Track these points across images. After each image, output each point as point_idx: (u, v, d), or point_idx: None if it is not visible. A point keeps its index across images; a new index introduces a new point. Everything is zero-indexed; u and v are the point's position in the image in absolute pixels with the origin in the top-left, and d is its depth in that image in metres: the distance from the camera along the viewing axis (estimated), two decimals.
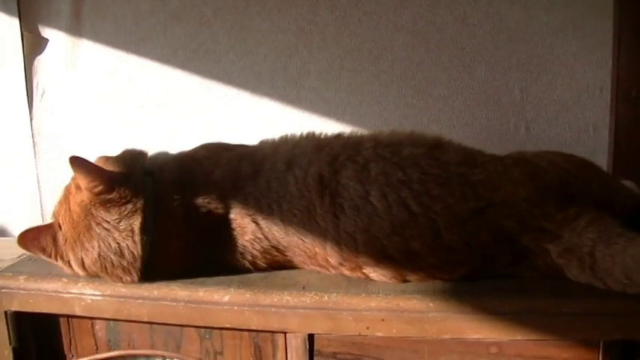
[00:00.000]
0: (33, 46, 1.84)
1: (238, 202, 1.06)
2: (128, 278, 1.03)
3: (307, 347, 1.01)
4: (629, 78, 1.65)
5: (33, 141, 1.85)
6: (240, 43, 1.76)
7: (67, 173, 1.72)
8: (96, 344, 1.11)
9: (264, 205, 1.04)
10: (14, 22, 1.80)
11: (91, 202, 1.05)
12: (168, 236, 1.05)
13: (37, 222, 1.73)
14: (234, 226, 1.05)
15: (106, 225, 1.03)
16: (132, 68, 1.82)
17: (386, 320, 0.99)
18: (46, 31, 1.84)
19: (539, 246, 1.01)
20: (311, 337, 1.01)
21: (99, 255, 1.02)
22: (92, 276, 1.06)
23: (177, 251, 1.05)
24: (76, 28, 1.84)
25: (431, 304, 0.98)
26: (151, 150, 1.28)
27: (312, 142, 1.11)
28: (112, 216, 1.04)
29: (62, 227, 1.07)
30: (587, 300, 0.99)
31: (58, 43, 1.84)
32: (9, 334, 1.09)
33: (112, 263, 1.02)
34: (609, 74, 1.65)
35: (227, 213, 1.05)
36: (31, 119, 1.85)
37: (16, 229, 1.67)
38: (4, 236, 1.83)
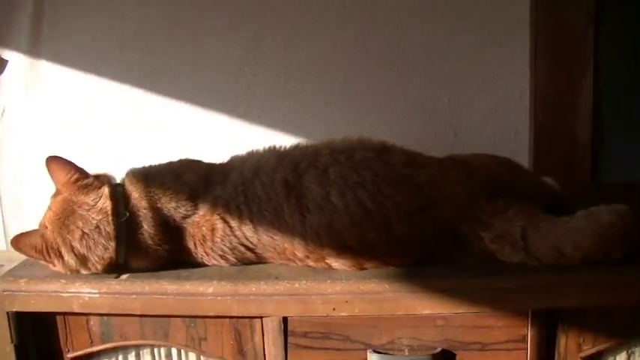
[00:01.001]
0: None
1: (207, 203, 1.19)
2: (107, 255, 1.17)
3: (282, 329, 1.15)
4: (545, 86, 1.80)
5: None
6: (193, 58, 1.85)
7: (28, 188, 1.88)
8: (90, 338, 1.21)
9: (232, 207, 1.18)
10: None
11: (70, 193, 1.20)
12: (139, 226, 1.18)
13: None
14: (203, 223, 1.18)
15: (85, 206, 1.19)
16: (91, 87, 1.89)
17: (349, 302, 1.13)
18: (6, 53, 1.89)
19: (474, 234, 1.17)
20: (285, 320, 1.15)
21: (83, 233, 1.17)
22: (80, 261, 1.18)
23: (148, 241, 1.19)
24: (34, 49, 1.89)
25: (387, 286, 1.13)
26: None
27: (275, 154, 1.25)
28: (89, 198, 1.19)
29: (48, 226, 1.20)
30: (516, 277, 1.15)
31: (17, 64, 1.89)
32: (10, 332, 1.18)
33: (94, 240, 1.16)
34: (528, 83, 1.79)
35: (196, 212, 1.19)
36: None
37: None
38: None
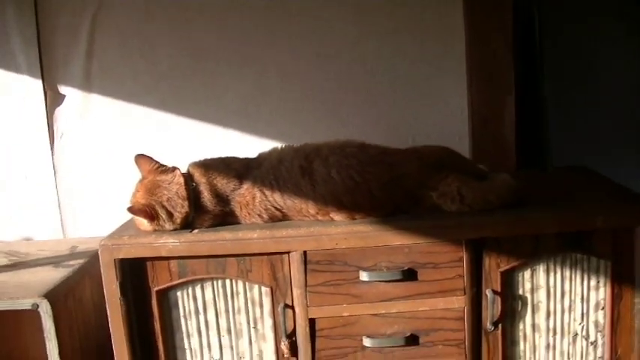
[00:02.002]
0: (53, 100, 2.21)
1: (249, 181, 1.67)
2: (183, 210, 1.63)
3: (303, 259, 1.60)
4: (479, 103, 2.19)
5: (54, 171, 2.25)
6: (212, 88, 2.20)
7: (80, 195, 2.23)
8: (170, 276, 1.63)
9: (266, 183, 1.65)
10: (38, 83, 2.19)
11: (154, 176, 1.68)
12: (201, 195, 1.66)
13: (58, 236, 2.23)
14: (246, 194, 1.67)
15: (166, 182, 1.67)
16: (131, 116, 2.22)
17: (346, 239, 1.59)
18: (63, 89, 2.21)
19: (426, 194, 1.64)
20: (305, 253, 1.59)
21: (168, 197, 1.64)
22: (167, 214, 1.63)
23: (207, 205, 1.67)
24: (86, 85, 2.20)
25: (370, 228, 1.60)
26: None
27: (292, 149, 1.72)
28: (168, 177, 1.67)
29: (141, 200, 1.67)
30: (455, 219, 1.61)
31: (72, 97, 2.21)
32: (116, 273, 1.59)
33: (175, 201, 1.64)
34: (466, 102, 2.17)
35: (241, 187, 1.67)
36: (52, 155, 2.24)
37: (38, 237, 2.23)
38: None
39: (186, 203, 1.64)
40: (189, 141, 2.18)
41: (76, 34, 2.17)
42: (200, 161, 1.73)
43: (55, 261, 1.93)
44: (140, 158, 1.72)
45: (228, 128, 2.21)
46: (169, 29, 2.16)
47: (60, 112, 2.23)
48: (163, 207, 1.64)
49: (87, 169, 2.25)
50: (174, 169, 1.69)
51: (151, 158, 1.72)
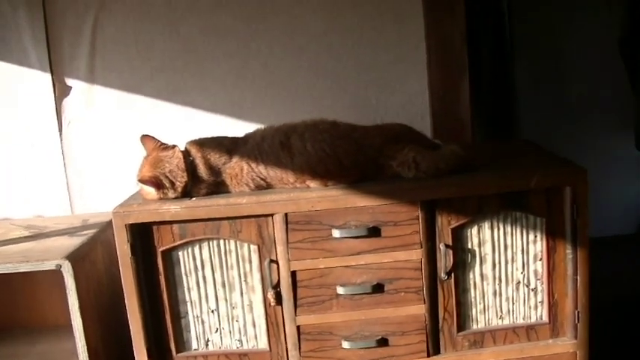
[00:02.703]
0: (61, 91, 2.42)
1: (237, 155, 1.88)
2: (183, 180, 1.85)
3: (284, 220, 1.80)
4: (437, 86, 2.43)
5: (63, 155, 2.46)
6: (202, 78, 2.43)
7: (87, 177, 2.47)
8: (173, 237, 1.83)
9: (252, 157, 1.89)
10: (47, 76, 2.40)
11: (157, 152, 1.91)
12: (197, 167, 1.88)
13: (66, 212, 2.47)
14: (235, 166, 1.89)
15: (168, 157, 1.88)
16: (131, 104, 2.44)
17: (320, 202, 1.79)
18: (70, 81, 2.42)
19: (387, 163, 1.83)
20: (286, 215, 1.79)
21: (169, 169, 1.85)
22: (170, 183, 1.85)
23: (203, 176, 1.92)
24: (90, 78, 2.41)
25: (340, 192, 1.80)
26: None
27: (273, 128, 1.95)
28: (169, 152, 1.89)
29: (147, 173, 1.89)
30: (412, 183, 1.80)
31: (78, 88, 2.41)
32: (127, 235, 1.80)
33: (175, 172, 1.86)
34: (426, 84, 2.40)
35: (230, 160, 1.92)
36: (61, 140, 2.45)
37: (49, 214, 2.45)
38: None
39: (185, 174, 1.89)
40: (182, 125, 2.39)
41: (81, 32, 2.39)
42: (196, 139, 1.98)
43: (70, 232, 2.21)
44: (145, 138, 1.98)
45: (216, 113, 2.43)
46: (162, 28, 2.38)
47: (67, 102, 2.45)
48: (167, 177, 1.89)
49: (92, 152, 2.47)
50: (173, 146, 1.95)
51: (154, 138, 1.97)
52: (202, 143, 1.96)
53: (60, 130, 2.44)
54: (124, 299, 1.92)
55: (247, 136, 1.98)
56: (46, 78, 2.41)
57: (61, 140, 2.45)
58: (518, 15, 3.74)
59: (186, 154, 1.93)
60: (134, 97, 2.44)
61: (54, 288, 2.27)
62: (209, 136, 2.01)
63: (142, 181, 1.90)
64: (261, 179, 1.91)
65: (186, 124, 2.39)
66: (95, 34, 2.38)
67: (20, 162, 2.45)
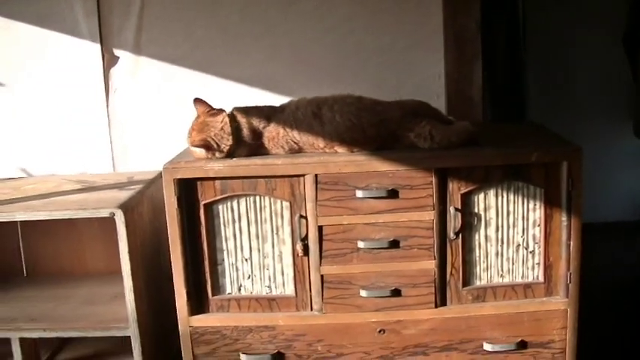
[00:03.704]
0: (109, 61, 2.62)
1: (275, 121, 2.07)
2: (228, 143, 2.02)
3: (315, 181, 1.97)
4: (453, 69, 2.60)
5: (108, 119, 2.68)
6: (231, 55, 2.63)
7: (130, 140, 2.67)
8: (214, 192, 2.01)
9: (287, 123, 2.06)
10: (97, 47, 2.60)
11: (205, 117, 2.11)
12: (241, 130, 2.08)
13: (109, 170, 2.67)
14: (273, 130, 2.09)
15: (215, 122, 2.06)
16: (172, 75, 2.62)
17: (347, 165, 1.96)
18: (118, 52, 2.61)
19: (405, 135, 2.01)
20: (316, 176, 1.96)
21: (216, 132, 2.03)
22: (217, 144, 2.03)
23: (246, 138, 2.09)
24: (136, 50, 2.61)
25: (364, 158, 1.97)
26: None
27: (306, 100, 2.16)
28: (217, 118, 2.08)
29: (196, 136, 2.11)
30: (427, 153, 1.97)
31: (125, 59, 2.62)
32: (175, 189, 1.97)
33: (221, 135, 2.04)
34: (443, 68, 2.58)
35: (269, 125, 2.12)
36: (107, 106, 2.66)
37: (94, 171, 2.62)
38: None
39: (230, 137, 2.09)
40: (217, 96, 2.47)
41: (129, 7, 2.58)
42: (240, 107, 2.20)
43: (118, 186, 2.45)
44: (197, 101, 2.18)
45: (249, 86, 2.62)
46: (202, 8, 2.58)
47: (114, 71, 2.65)
48: (214, 140, 2.10)
49: (135, 118, 2.67)
50: (221, 111, 2.16)
51: (205, 102, 2.11)
52: (246, 110, 2.17)
53: (107, 96, 2.64)
54: (165, 249, 2.13)
55: (284, 106, 2.19)
56: (95, 48, 2.59)
57: (107, 106, 2.65)
58: (532, 6, 3.95)
59: (231, 118, 2.14)
60: (175, 69, 2.62)
61: (96, 238, 2.57)
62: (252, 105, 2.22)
63: (195, 144, 2.10)
64: (295, 143, 2.08)
65: (221, 96, 2.42)
66: (143, 10, 2.56)
67: (69, 124, 2.65)
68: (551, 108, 4.10)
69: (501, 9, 3.67)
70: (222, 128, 2.11)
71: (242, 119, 2.13)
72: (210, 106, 2.16)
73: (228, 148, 2.07)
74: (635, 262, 3.70)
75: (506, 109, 3.73)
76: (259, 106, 2.15)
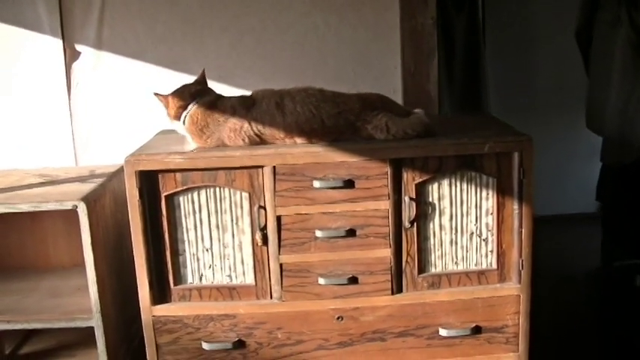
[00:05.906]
0: (71, 56, 2.63)
1: (239, 115, 2.15)
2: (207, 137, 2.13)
3: (273, 171, 2.00)
4: (409, 64, 2.68)
5: (70, 113, 2.68)
6: (197, 47, 2.65)
7: (92, 133, 2.66)
8: (175, 184, 2.04)
9: (253, 117, 2.17)
10: (59, 42, 2.60)
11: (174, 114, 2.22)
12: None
13: (72, 164, 2.66)
14: (237, 122, 2.08)
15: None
16: (134, 70, 2.63)
17: (303, 156, 1.99)
18: (80, 47, 2.62)
19: (363, 127, 2.05)
20: (274, 167, 1.99)
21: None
22: (201, 132, 2.12)
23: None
24: (98, 45, 2.62)
25: (322, 149, 2.02)
26: None
27: (269, 90, 2.20)
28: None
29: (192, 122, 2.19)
30: (382, 144, 2.02)
31: (87, 54, 2.62)
32: (136, 181, 1.99)
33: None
34: (400, 62, 2.65)
35: (231, 118, 2.14)
36: (69, 100, 2.66)
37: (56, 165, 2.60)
38: None
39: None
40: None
41: (91, 3, 2.59)
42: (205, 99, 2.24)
43: (81, 179, 2.47)
44: (158, 96, 2.24)
45: (211, 80, 2.57)
46: (164, 2, 2.60)
47: (76, 66, 2.66)
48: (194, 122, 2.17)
49: (96, 112, 2.68)
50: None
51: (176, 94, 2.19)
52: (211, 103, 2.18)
53: (69, 90, 2.65)
54: (127, 241, 2.16)
55: (253, 95, 2.17)
56: (57, 44, 2.60)
57: (69, 100, 2.65)
58: (492, 3, 4.04)
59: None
60: (137, 64, 2.65)
61: (59, 232, 2.60)
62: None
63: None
64: (256, 135, 2.11)
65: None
66: (104, 5, 2.57)
67: (31, 119, 2.65)
68: (509, 101, 4.18)
69: (461, 4, 3.73)
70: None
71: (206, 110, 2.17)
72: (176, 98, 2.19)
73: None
74: (588, 251, 3.79)
75: (465, 103, 3.81)
76: (229, 97, 2.22)
